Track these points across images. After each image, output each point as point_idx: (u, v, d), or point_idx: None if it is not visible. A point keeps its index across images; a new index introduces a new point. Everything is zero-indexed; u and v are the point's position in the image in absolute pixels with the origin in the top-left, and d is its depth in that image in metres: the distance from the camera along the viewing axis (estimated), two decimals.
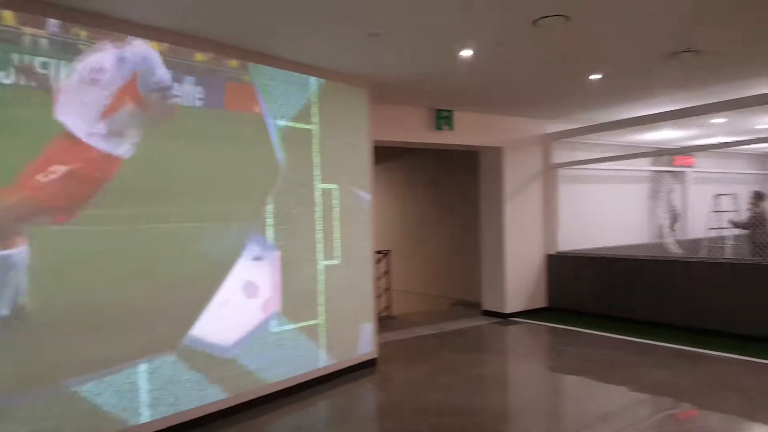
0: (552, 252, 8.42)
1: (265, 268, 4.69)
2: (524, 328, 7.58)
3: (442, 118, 7.24)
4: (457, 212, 9.74)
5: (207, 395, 4.24)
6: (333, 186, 5.34)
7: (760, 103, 6.19)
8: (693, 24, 4.36)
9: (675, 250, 9.44)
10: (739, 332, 6.21)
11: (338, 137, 5.40)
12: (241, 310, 4.49)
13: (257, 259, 4.61)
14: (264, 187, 4.74)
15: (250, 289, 4.54)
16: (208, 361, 4.24)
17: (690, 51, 4.96)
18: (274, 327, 4.76)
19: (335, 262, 5.35)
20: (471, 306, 8.89)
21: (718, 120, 8.16)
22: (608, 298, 7.68)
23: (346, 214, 5.45)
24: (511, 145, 8.04)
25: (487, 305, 8.36)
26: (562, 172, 8.49)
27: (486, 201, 8.28)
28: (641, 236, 9.47)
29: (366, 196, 5.69)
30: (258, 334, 4.61)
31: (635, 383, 5.05)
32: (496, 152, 8.02)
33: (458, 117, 7.40)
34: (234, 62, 4.50)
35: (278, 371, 4.77)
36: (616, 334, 6.85)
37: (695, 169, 10.23)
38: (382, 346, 6.33)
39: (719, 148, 9.65)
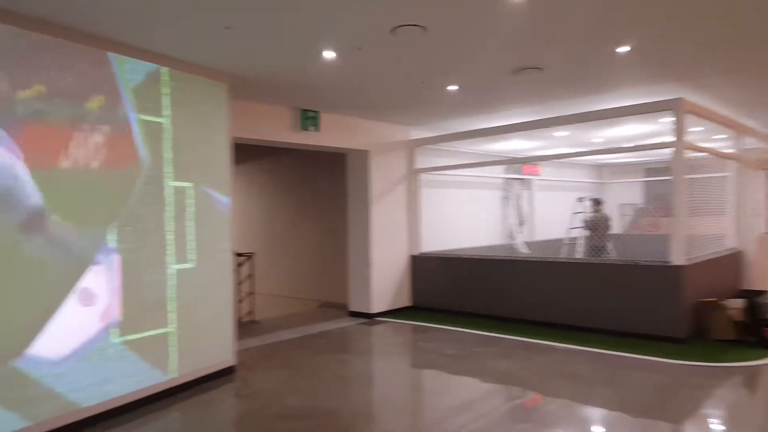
0: (416, 253, 8.75)
1: (104, 273, 4.27)
2: (388, 328, 7.77)
3: (308, 119, 7.18)
4: (325, 214, 9.75)
5: (38, 413, 3.75)
6: (187, 184, 5.03)
7: (594, 118, 6.96)
8: (534, 44, 4.78)
9: (523, 251, 10.31)
10: (575, 324, 6.93)
11: (193, 132, 5.10)
12: (75, 320, 4.04)
13: (95, 263, 4.18)
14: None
15: (85, 296, 4.10)
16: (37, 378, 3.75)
17: (533, 68, 5.44)
18: (115, 337, 4.35)
19: (189, 265, 5.04)
20: (338, 307, 8.92)
21: (561, 133, 9.07)
22: (464, 295, 8.16)
23: (201, 215, 5.16)
24: (377, 149, 8.22)
25: (354, 306, 8.45)
26: (424, 176, 8.86)
27: (353, 203, 8.37)
28: (495, 238, 10.21)
29: (224, 195, 5.44)
30: (94, 345, 4.18)
31: (485, 374, 5.42)
32: (363, 155, 8.14)
33: (325, 118, 7.40)
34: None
35: (119, 385, 4.36)
36: (470, 329, 7.29)
37: (540, 177, 11.27)
38: (243, 352, 6.10)
39: (560, 159, 10.70)
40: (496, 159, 7.78)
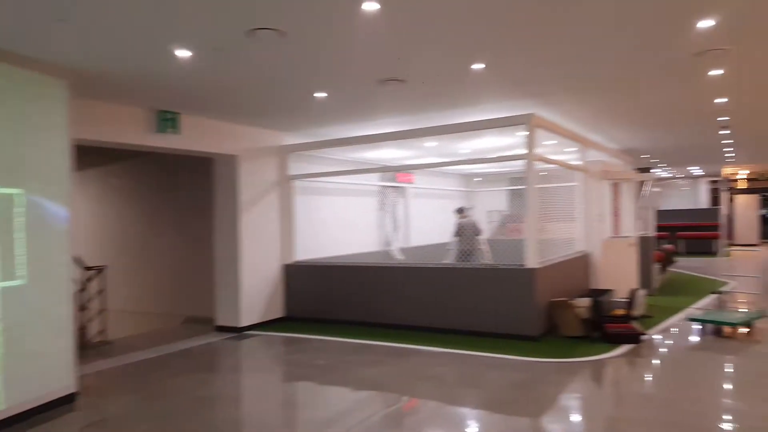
0: (289, 262, 8.55)
1: None
2: (258, 341, 7.49)
3: (166, 121, 6.73)
4: (190, 222, 9.19)
5: None
6: (15, 191, 4.44)
7: (456, 131, 7.29)
8: (394, 55, 4.87)
9: (399, 257, 10.54)
10: (443, 327, 7.16)
11: (22, 133, 4.52)
12: None
13: None
14: None
15: None
16: None
17: (396, 80, 5.55)
18: None
19: (18, 282, 4.44)
20: (204, 322, 8.43)
21: (431, 143, 9.42)
22: (338, 304, 8.12)
23: (34, 225, 4.58)
24: (247, 154, 7.93)
25: (221, 320, 8.04)
26: (299, 183, 8.71)
27: (220, 211, 7.99)
28: (371, 245, 10.32)
29: (62, 202, 4.88)
30: None
31: (356, 383, 5.39)
32: (231, 161, 7.81)
33: (187, 121, 6.99)
34: None
35: None
36: (342, 337, 7.25)
37: (414, 186, 11.63)
38: (90, 377, 5.54)
39: (427, 168, 11.03)
40: (370, 167, 7.90)
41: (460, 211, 9.64)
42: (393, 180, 11.04)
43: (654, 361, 6.10)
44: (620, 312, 7.10)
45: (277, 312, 8.47)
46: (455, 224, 9.59)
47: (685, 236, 17.80)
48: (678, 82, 6.18)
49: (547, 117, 7.68)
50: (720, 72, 5.68)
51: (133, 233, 10.09)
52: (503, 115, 6.86)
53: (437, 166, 7.75)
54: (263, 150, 8.23)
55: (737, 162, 17.54)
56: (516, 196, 15.23)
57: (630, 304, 7.11)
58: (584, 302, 6.97)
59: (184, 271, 9.28)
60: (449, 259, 9.39)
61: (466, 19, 4.06)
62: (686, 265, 14.23)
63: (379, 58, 4.92)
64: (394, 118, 7.67)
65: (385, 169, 7.67)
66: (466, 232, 9.25)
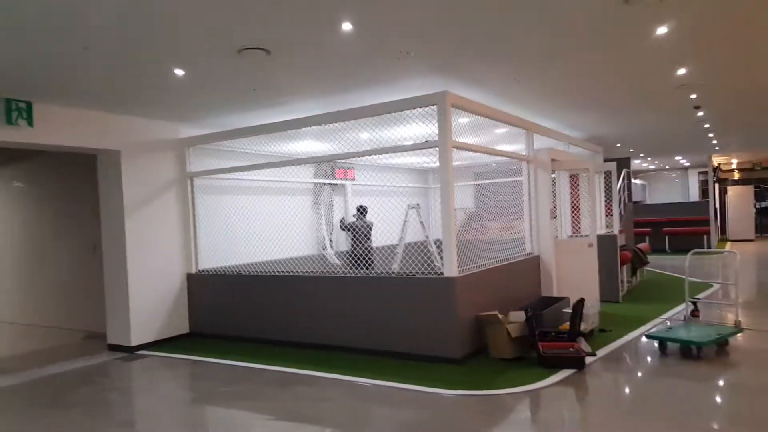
0: (193, 271, 7.46)
1: None
2: (144, 364, 6.39)
3: (16, 111, 5.65)
4: (84, 226, 8.10)
5: None
6: None
7: (360, 115, 6.05)
8: (249, 14, 3.77)
9: (335, 261, 9.42)
10: (352, 346, 6.07)
11: None
12: None
13: None
14: None
15: None
16: None
17: (258, 49, 4.44)
18: None
19: None
20: (102, 338, 7.36)
21: (365, 135, 8.27)
22: (246, 318, 7.02)
23: None
24: (133, 148, 6.84)
25: (112, 338, 6.98)
26: (208, 181, 7.62)
27: (106, 214, 6.92)
28: (304, 249, 9.20)
29: None
30: None
31: (208, 426, 4.28)
32: (113, 157, 6.73)
33: (45, 110, 5.91)
34: None
35: None
36: (238, 359, 6.16)
37: (356, 183, 10.48)
38: None
39: (325, 161, 9.41)
40: (283, 161, 6.80)
41: (361, 210, 8.72)
42: (330, 176, 9.91)
43: (596, 395, 4.90)
44: (564, 328, 5.99)
45: (180, 328, 7.38)
46: (346, 224, 8.72)
47: (672, 232, 16.57)
48: (616, 44, 5.05)
49: (489, 103, 6.58)
50: (664, 29, 4.55)
51: (21, 240, 9.02)
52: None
53: (340, 158, 6.59)
54: (155, 144, 7.13)
55: (726, 150, 16.32)
56: (481, 193, 14.14)
57: (576, 317, 5.96)
58: (518, 316, 5.85)
59: (82, 280, 8.20)
60: (395, 264, 8.33)
61: None
62: (669, 265, 13.06)
63: (230, 18, 3.82)
64: (309, 103, 6.59)
65: (289, 163, 6.58)
66: (358, 233, 8.35)
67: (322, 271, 6.57)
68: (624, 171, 12.09)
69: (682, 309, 7.79)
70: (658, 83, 6.60)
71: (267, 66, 4.93)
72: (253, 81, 5.48)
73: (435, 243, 8.17)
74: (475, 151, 6.01)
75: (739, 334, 5.98)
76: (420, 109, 5.52)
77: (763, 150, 16.91)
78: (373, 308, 5.96)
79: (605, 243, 8.62)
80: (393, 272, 6.18)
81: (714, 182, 17.66)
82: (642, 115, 8.90)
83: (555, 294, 7.69)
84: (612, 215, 10.06)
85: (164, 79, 5.24)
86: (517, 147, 7.67)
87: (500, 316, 5.69)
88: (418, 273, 5.81)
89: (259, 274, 7.02)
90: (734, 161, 20.21)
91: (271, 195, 8.89)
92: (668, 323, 6.99)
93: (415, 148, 5.61)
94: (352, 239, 8.75)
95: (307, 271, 6.68)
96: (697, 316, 7.48)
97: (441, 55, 4.97)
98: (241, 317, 7.04)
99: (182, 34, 4.10)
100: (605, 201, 9.95)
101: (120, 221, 6.74)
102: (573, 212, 8.73)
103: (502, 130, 7.78)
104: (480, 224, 12.94)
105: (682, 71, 6.05)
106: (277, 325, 6.72)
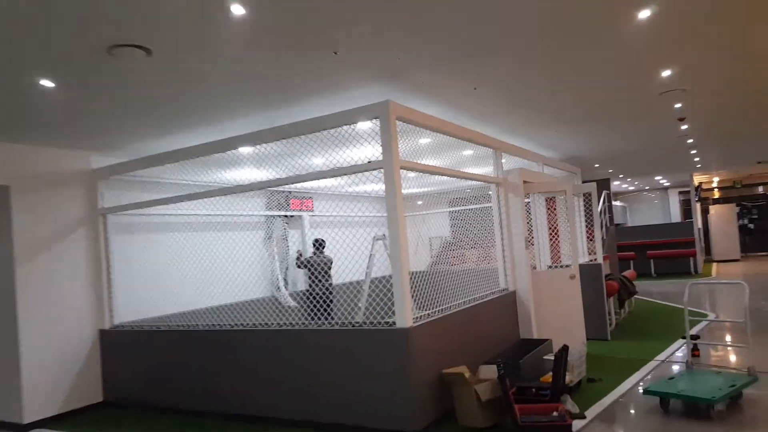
0: (106, 326, 6.26)
1: None
2: None
3: None
4: None
5: None
6: None
7: (295, 133, 5.09)
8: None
9: (290, 303, 8.30)
10: (294, 418, 4.92)
11: None
12: None
13: None
14: None
15: None
16: None
17: (134, 46, 3.43)
18: None
19: None
20: None
21: (318, 160, 7.24)
22: (167, 383, 5.81)
23: None
24: (25, 183, 5.71)
25: (2, 413, 5.71)
26: (121, 218, 6.49)
27: None
28: (251, 291, 8.04)
29: None
30: None
31: None
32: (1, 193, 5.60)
33: None
34: None
35: None
36: None
37: (315, 214, 9.43)
38: None
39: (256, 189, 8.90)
40: (210, 190, 5.70)
41: (318, 244, 7.73)
42: (284, 207, 8.85)
43: None
44: (546, 380, 4.94)
45: (91, 396, 6.14)
46: (303, 260, 7.76)
47: (657, 255, 15.74)
48: (592, 41, 4.15)
49: (455, 121, 5.65)
50: (647, 13, 3.66)
51: None
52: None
53: (272, 186, 5.51)
54: (57, 176, 6.01)
55: (708, 168, 15.70)
56: (458, 220, 13.21)
57: (560, 369, 4.90)
58: (490, 371, 4.78)
59: None
60: (361, 302, 7.28)
61: None
62: (657, 291, 12.15)
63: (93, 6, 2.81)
64: (241, 122, 5.58)
65: (215, 193, 5.52)
66: (315, 270, 7.37)
67: (254, 324, 5.42)
68: (604, 192, 11.25)
69: (679, 347, 6.83)
70: (640, 89, 5.74)
71: (148, 69, 3.89)
72: (143, 90, 4.44)
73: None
74: (428, 173, 5.01)
75: (753, 383, 4.96)
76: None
77: (743, 167, 16.34)
78: (313, 369, 4.84)
79: (589, 273, 7.64)
80: (344, 322, 5.06)
81: (696, 201, 16.98)
82: (623, 130, 8.07)
83: (535, 335, 6.66)
84: (594, 240, 9.14)
85: (33, 93, 4.18)
86: (489, 170, 6.73)
87: (467, 374, 4.61)
88: (365, 323, 4.73)
89: (186, 328, 5.85)
90: (715, 179, 19.66)
91: (212, 231, 7.79)
92: (673, 370, 5.97)
93: (356, 170, 4.58)
94: (310, 277, 7.70)
95: (235, 324, 5.52)
96: (697, 355, 6.50)
97: (377, 56, 4.02)
98: (166, 382, 5.83)
99: (40, 33, 3.08)
100: (586, 225, 9.03)
101: (8, 271, 5.57)
102: (552, 239, 7.79)
103: (470, 151, 6.86)
104: (457, 253, 11.98)
105: (666, 73, 5.19)
106: (206, 391, 5.54)
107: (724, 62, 5.03)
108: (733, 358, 6.29)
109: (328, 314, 7.34)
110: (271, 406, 5.06)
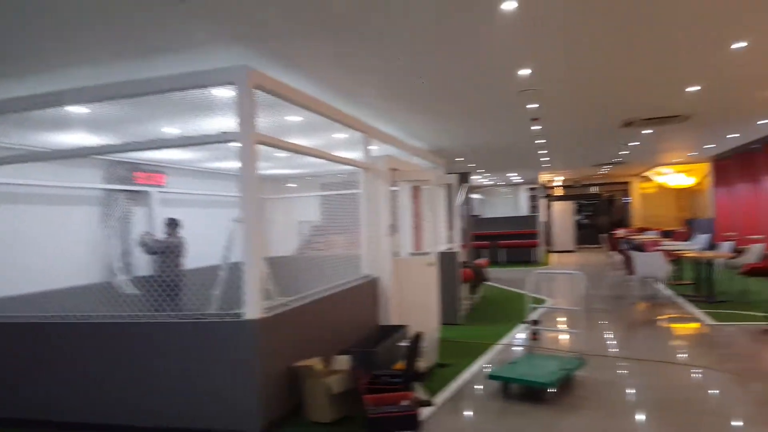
0: None
1: None
2: None
3: None
4: None
5: None
6: None
7: (132, 93, 4.49)
8: None
9: (129, 291, 7.43)
10: (126, 424, 4.32)
11: None
12: None
13: None
14: None
15: None
16: None
17: None
18: None
19: None
20: None
21: (173, 130, 6.48)
22: (15, 388, 4.81)
23: None
24: None
25: None
26: None
27: None
28: (81, 276, 7.05)
29: None
30: None
31: None
32: None
33: None
34: None
35: None
36: None
37: (165, 190, 8.58)
38: None
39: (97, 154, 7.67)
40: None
41: (172, 223, 7.10)
42: (127, 181, 7.91)
43: None
44: (400, 367, 4.90)
45: None
46: (148, 241, 7.07)
47: (506, 245, 16.99)
48: (461, 27, 4.12)
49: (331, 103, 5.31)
50: (512, 5, 3.68)
51: None
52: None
53: (99, 153, 4.83)
54: None
55: (553, 168, 17.22)
56: (328, 205, 12.97)
57: (412, 356, 4.90)
58: (343, 362, 4.63)
59: None
60: (217, 290, 6.67)
61: None
62: (505, 277, 13.04)
63: None
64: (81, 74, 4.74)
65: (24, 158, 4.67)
66: (169, 253, 6.79)
67: (77, 316, 4.67)
68: (464, 185, 11.75)
69: (521, 331, 7.30)
70: (502, 85, 5.93)
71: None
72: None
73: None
74: (289, 150, 4.68)
75: (583, 367, 5.39)
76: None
77: (583, 168, 18.18)
78: (139, 367, 4.29)
79: (446, 261, 7.86)
80: (188, 313, 4.54)
81: (544, 198, 18.58)
82: (485, 126, 8.41)
83: (395, 322, 6.68)
84: (453, 229, 9.47)
85: None
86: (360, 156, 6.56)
87: (318, 366, 4.40)
88: (208, 315, 4.30)
89: (17, 320, 4.86)
90: (559, 179, 21.68)
91: (33, 205, 6.67)
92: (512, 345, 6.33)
93: (207, 141, 4.12)
94: (161, 261, 6.93)
95: (49, 316, 4.73)
96: (537, 339, 6.99)
97: (238, 16, 3.59)
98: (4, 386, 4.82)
99: None
100: (447, 215, 9.32)
101: None
102: (415, 227, 7.88)
103: (341, 135, 6.63)
104: (325, 239, 11.72)
105: (525, 72, 5.39)
106: (16, 396, 4.68)
107: (574, 66, 5.34)
108: (566, 341, 6.84)
109: (176, 303, 6.68)
110: (90, 411, 4.41)
